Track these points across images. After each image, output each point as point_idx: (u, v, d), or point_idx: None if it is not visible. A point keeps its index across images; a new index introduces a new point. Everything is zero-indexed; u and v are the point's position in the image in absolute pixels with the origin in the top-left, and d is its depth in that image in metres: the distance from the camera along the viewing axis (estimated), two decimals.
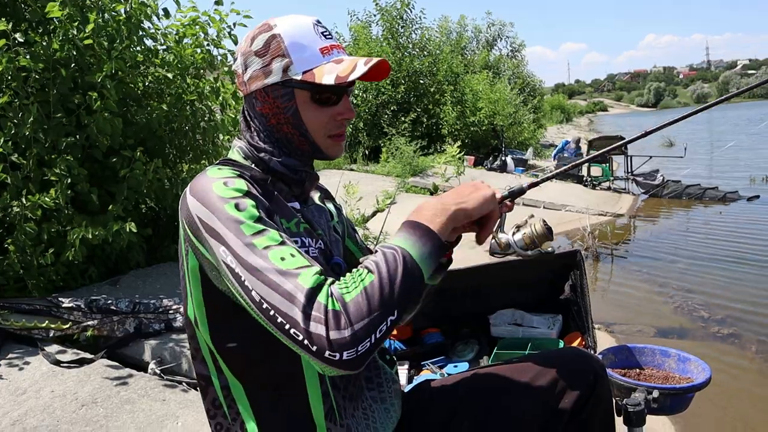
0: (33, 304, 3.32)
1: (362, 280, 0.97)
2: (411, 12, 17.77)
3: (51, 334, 3.09)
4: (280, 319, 0.95)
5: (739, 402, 3.57)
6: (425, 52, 17.87)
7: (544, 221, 1.34)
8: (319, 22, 1.23)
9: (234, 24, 4.50)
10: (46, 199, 3.43)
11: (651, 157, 13.27)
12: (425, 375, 1.98)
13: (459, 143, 13.69)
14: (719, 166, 16.81)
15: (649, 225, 9.90)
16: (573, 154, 15.14)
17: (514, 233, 1.35)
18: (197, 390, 2.80)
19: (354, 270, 1.01)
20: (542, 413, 1.32)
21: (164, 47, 4.48)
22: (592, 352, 1.83)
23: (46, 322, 3.14)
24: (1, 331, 3.00)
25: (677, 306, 5.33)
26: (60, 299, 3.33)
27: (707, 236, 8.31)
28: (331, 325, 0.92)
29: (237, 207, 1.04)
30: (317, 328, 0.92)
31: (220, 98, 4.65)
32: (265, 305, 0.97)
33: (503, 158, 15.35)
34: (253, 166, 1.22)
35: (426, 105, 17.10)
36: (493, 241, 1.35)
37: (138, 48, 4.20)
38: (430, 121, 16.99)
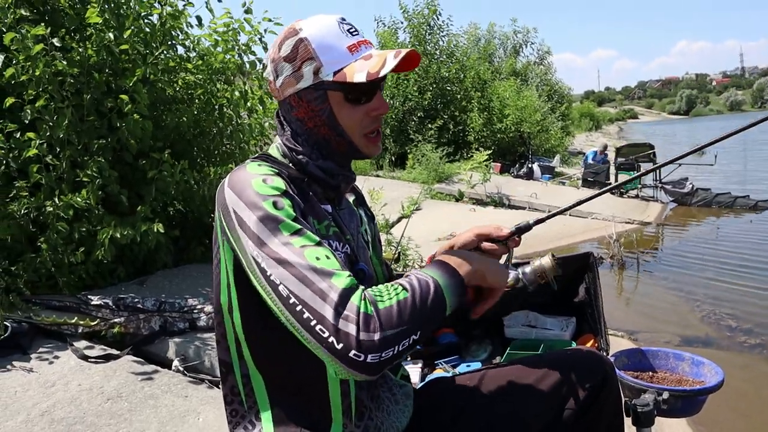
0: (63, 301, 3.43)
1: (397, 295, 1.00)
2: (438, 19, 17.84)
3: (80, 330, 3.19)
4: (306, 315, 0.97)
5: (764, 411, 3.52)
6: (452, 59, 17.90)
7: (552, 255, 1.36)
8: (343, 19, 1.23)
9: (265, 30, 4.58)
10: (78, 199, 3.53)
11: (680, 164, 13.07)
12: (438, 373, 2.00)
13: (489, 151, 13.66)
14: (751, 174, 16.49)
15: (678, 233, 9.76)
16: (601, 161, 15.01)
17: (524, 267, 1.37)
18: (219, 387, 2.87)
19: (388, 284, 1.04)
20: (551, 411, 1.34)
21: (195, 54, 4.59)
22: (604, 354, 1.84)
23: (76, 318, 3.24)
24: (32, 326, 3.11)
25: (704, 315, 5.26)
26: (89, 297, 3.44)
27: (737, 245, 8.17)
28: (361, 326, 0.94)
29: (275, 205, 1.06)
30: (347, 327, 0.94)
31: (248, 104, 4.75)
32: (292, 300, 0.98)
33: (530, 165, 15.26)
34: (290, 164, 1.24)
35: (453, 112, 17.11)
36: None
37: (170, 54, 4.32)
38: (457, 128, 17.00)
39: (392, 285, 1.03)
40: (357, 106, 1.20)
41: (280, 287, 1.00)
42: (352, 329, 0.94)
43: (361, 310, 0.95)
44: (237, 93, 4.59)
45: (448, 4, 25.04)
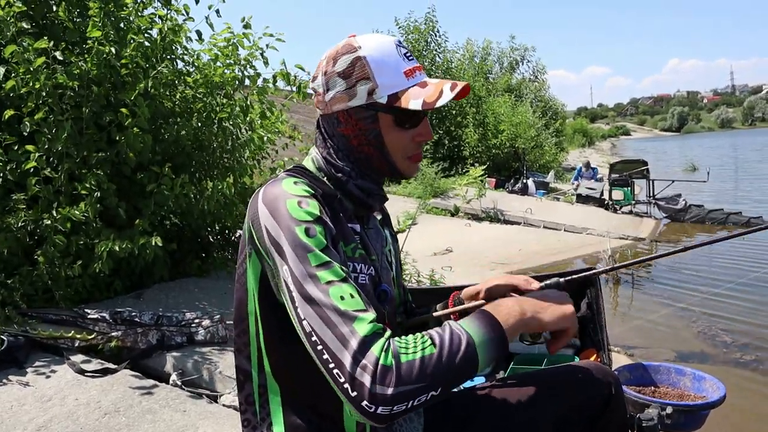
0: (60, 314, 3.41)
1: (423, 349, 0.98)
2: (436, 35, 18.04)
3: (76, 344, 3.17)
4: (326, 356, 0.97)
5: (761, 428, 3.52)
6: (448, 75, 18.05)
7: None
8: (400, 42, 1.24)
9: (267, 46, 4.58)
10: (76, 212, 3.53)
11: (673, 181, 13.21)
12: None
13: (484, 167, 13.74)
14: (742, 192, 16.63)
15: (671, 249, 9.80)
16: (593, 176, 15.11)
17: None
18: (217, 401, 2.85)
19: (418, 334, 1.02)
20: (556, 425, 1.34)
21: (194, 68, 4.61)
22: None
23: (72, 332, 3.22)
24: (28, 340, 3.09)
25: (699, 331, 5.27)
26: (86, 310, 3.42)
27: (730, 261, 8.20)
28: (377, 378, 0.93)
29: (307, 232, 1.05)
30: (363, 377, 0.94)
31: (248, 117, 4.76)
32: (314, 338, 0.99)
33: (524, 181, 15.35)
34: (325, 179, 1.24)
35: (448, 127, 17.22)
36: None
37: (170, 67, 4.33)
38: (452, 144, 17.10)
39: (422, 337, 1.01)
40: (404, 130, 1.21)
41: (304, 323, 1.00)
42: (366, 380, 0.94)
43: (380, 362, 0.95)
44: (237, 108, 4.60)
45: (445, 19, 25.31)
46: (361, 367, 0.94)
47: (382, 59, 1.19)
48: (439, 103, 1.15)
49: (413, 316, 1.53)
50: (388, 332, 1.00)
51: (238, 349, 1.22)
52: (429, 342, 1.00)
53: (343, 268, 1.05)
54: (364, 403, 0.94)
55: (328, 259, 1.04)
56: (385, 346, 0.97)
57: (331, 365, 0.97)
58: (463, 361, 1.00)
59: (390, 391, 0.94)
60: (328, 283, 1.01)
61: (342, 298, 1.00)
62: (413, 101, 1.16)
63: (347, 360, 0.95)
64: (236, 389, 1.24)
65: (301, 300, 1.01)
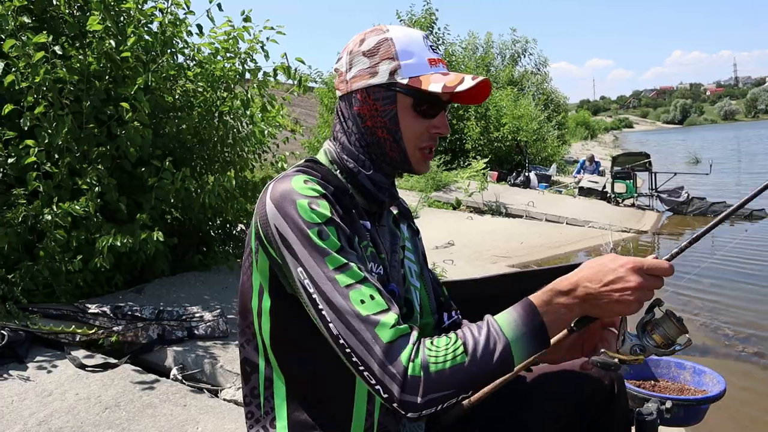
0: (61, 309, 3.41)
1: (454, 357, 0.97)
2: (434, 27, 17.97)
3: (77, 339, 3.17)
4: (354, 359, 0.99)
5: (763, 421, 3.52)
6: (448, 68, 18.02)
7: (669, 312, 1.14)
8: (427, 36, 1.25)
9: (267, 39, 4.54)
10: (76, 207, 3.52)
11: (675, 173, 13.18)
12: None
13: (486, 160, 13.70)
14: (746, 184, 16.57)
15: (673, 242, 9.78)
16: (595, 170, 15.08)
17: (641, 334, 1.15)
18: (218, 396, 2.86)
19: (452, 336, 1.00)
20: (559, 421, 1.33)
21: (194, 62, 4.59)
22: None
23: (73, 327, 3.22)
24: (29, 335, 3.09)
25: (701, 324, 5.26)
26: (86, 305, 3.42)
27: (733, 254, 8.18)
28: (406, 388, 0.95)
29: (320, 235, 1.04)
30: (391, 385, 0.96)
31: (249, 111, 4.74)
32: (342, 341, 1.00)
33: (527, 174, 15.32)
34: (337, 172, 1.23)
35: (450, 120, 17.13)
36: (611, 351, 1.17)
37: (170, 61, 4.31)
38: (454, 136, 17.05)
39: (454, 342, 0.99)
40: (421, 119, 1.20)
41: (331, 326, 1.01)
42: (395, 389, 0.95)
43: (409, 372, 0.95)
44: (237, 101, 4.58)
45: (447, 12, 25.25)
46: (390, 376, 0.96)
47: (409, 44, 1.19)
48: (459, 89, 1.15)
49: (450, 315, 1.48)
50: (415, 334, 1.00)
51: (246, 340, 1.21)
52: (461, 349, 0.98)
53: (361, 266, 1.05)
54: (395, 405, 0.97)
55: (345, 260, 1.04)
56: (413, 354, 0.97)
57: (361, 368, 0.99)
58: (497, 367, 0.99)
59: (419, 399, 0.95)
60: (348, 286, 1.01)
61: (362, 301, 1.00)
62: (434, 84, 1.15)
63: (374, 367, 0.97)
64: (241, 381, 1.23)
65: (326, 305, 1.02)
